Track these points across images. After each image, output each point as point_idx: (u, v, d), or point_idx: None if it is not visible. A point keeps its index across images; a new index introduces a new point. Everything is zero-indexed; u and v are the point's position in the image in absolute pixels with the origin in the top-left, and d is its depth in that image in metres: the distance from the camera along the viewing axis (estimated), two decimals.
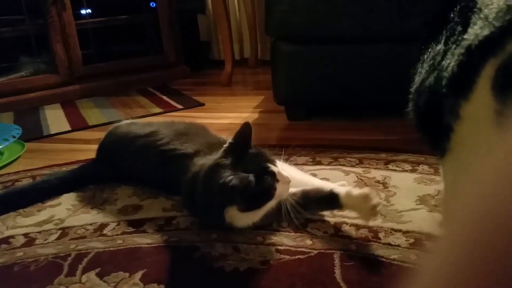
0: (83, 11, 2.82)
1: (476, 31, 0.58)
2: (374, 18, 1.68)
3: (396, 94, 1.78)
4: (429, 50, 0.69)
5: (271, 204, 1.04)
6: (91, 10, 2.86)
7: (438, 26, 0.67)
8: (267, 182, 1.00)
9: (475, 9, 0.61)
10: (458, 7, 0.65)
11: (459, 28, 0.62)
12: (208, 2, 3.32)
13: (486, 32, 0.56)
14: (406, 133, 1.65)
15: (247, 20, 3.28)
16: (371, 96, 1.83)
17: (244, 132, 1.05)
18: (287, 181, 1.03)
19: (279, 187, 1.02)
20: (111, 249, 1.06)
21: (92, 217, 1.22)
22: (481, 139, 0.55)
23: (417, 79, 0.70)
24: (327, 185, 1.19)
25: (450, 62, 0.61)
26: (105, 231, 1.14)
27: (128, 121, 1.48)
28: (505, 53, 0.52)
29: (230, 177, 0.95)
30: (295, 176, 1.20)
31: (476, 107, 0.56)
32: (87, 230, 1.15)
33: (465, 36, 0.60)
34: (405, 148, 1.48)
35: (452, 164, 0.63)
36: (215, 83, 2.87)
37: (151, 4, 3.00)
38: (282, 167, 1.17)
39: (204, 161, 1.12)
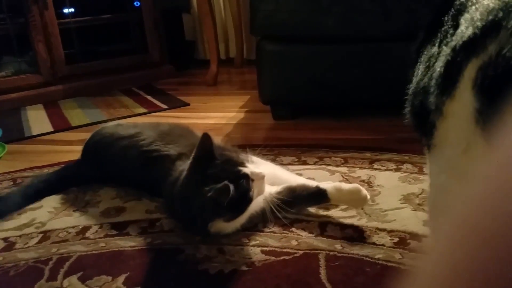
0: (65, 10, 2.78)
1: (462, 31, 0.59)
2: (358, 17, 1.68)
3: (381, 93, 1.81)
4: (425, 52, 0.69)
5: (254, 204, 1.03)
6: (74, 9, 2.82)
7: (435, 29, 0.68)
8: (244, 186, 0.98)
9: (464, 11, 0.62)
10: (452, 10, 0.66)
11: (451, 31, 0.63)
12: (193, 1, 3.30)
13: (469, 32, 0.57)
14: (390, 132, 1.66)
15: (232, 19, 3.27)
16: (356, 95, 1.84)
17: (204, 144, 1.02)
18: (261, 177, 1.03)
19: (256, 186, 1.01)
20: (93, 252, 1.04)
21: (74, 220, 1.20)
22: (461, 136, 0.56)
23: (414, 80, 0.70)
24: (310, 183, 1.20)
25: (440, 63, 0.61)
26: (87, 234, 1.12)
27: (115, 122, 1.46)
28: (486, 54, 0.53)
29: (209, 194, 0.94)
30: (281, 175, 1.20)
31: (458, 106, 0.57)
32: (69, 233, 1.13)
33: (453, 37, 0.61)
34: (390, 147, 1.49)
35: (435, 160, 0.63)
36: (201, 82, 2.85)
37: (135, 3, 2.97)
38: (259, 166, 1.17)
39: (184, 166, 1.11)
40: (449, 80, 0.58)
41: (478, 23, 0.56)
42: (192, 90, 2.73)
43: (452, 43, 0.60)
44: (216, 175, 0.98)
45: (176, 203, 1.05)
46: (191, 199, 0.99)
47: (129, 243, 1.07)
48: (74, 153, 1.60)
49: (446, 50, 0.61)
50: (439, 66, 0.61)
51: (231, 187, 0.94)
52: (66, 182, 1.39)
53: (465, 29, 0.59)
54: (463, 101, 0.55)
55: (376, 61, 1.75)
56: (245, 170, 1.00)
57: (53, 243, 1.09)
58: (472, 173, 0.23)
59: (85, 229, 1.15)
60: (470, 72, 0.54)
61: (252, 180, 1.00)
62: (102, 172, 1.36)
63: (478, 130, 0.53)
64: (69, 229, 1.15)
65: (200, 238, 1.04)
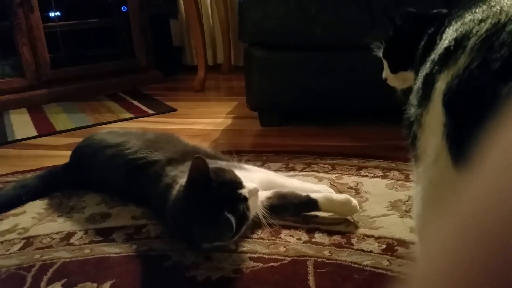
0: (52, 14, 2.75)
1: (442, 44, 0.60)
2: (346, 26, 1.70)
3: (368, 100, 1.82)
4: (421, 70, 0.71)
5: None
6: (61, 13, 2.79)
7: (431, 48, 0.69)
8: (243, 209, 0.96)
9: (449, 26, 0.63)
10: (443, 26, 0.68)
11: (436, 46, 0.65)
12: (181, 7, 3.29)
13: (446, 44, 0.58)
14: (377, 140, 1.67)
15: (220, 25, 3.27)
16: (343, 102, 1.85)
17: (199, 167, 0.96)
18: (255, 192, 1.02)
19: (251, 203, 0.99)
20: (78, 259, 1.02)
21: (58, 225, 1.17)
22: (433, 148, 0.57)
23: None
24: (304, 186, 1.21)
25: (421, 76, 0.63)
26: (72, 240, 1.10)
27: (108, 130, 1.44)
28: (456, 66, 0.54)
29: (212, 231, 0.94)
30: (275, 179, 1.21)
31: (431, 118, 0.58)
32: (53, 239, 1.11)
33: (434, 51, 0.62)
34: (377, 154, 1.50)
35: (418, 170, 0.64)
36: (188, 88, 2.84)
37: (122, 8, 2.95)
38: (253, 174, 1.16)
39: (176, 172, 1.10)
40: (425, 92, 0.60)
41: (454, 34, 0.58)
42: (179, 95, 2.72)
43: (432, 56, 0.61)
44: (215, 202, 0.95)
45: (169, 219, 1.04)
46: (188, 225, 0.97)
47: (114, 249, 1.05)
48: (58, 158, 1.58)
49: (427, 63, 0.62)
50: (420, 79, 0.63)
51: (233, 221, 0.92)
52: (50, 186, 1.36)
53: (444, 41, 0.60)
54: (435, 114, 0.57)
55: (363, 69, 1.76)
56: (243, 192, 0.98)
57: (37, 249, 1.06)
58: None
59: (70, 235, 1.12)
60: (441, 84, 0.56)
61: (247, 198, 0.99)
62: (87, 179, 1.34)
63: (443, 143, 0.54)
64: (53, 235, 1.13)
65: (187, 245, 1.03)
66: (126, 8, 2.93)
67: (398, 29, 1.01)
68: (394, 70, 1.05)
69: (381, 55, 1.09)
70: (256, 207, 1.04)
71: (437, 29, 0.68)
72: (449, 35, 0.59)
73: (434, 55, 0.60)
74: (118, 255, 1.03)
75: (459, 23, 0.60)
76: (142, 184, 1.17)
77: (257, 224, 1.08)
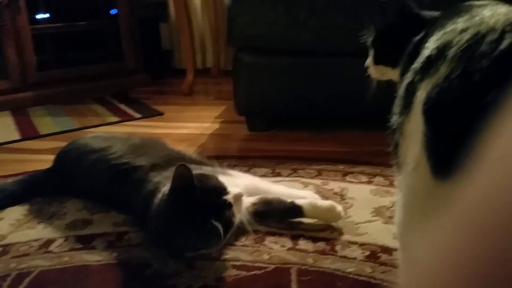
0: (39, 16, 2.72)
1: (424, 53, 0.60)
2: (334, 33, 1.70)
3: (354, 106, 1.82)
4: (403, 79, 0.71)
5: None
6: (49, 15, 2.76)
7: (415, 56, 0.69)
8: (228, 215, 0.95)
9: (432, 35, 0.63)
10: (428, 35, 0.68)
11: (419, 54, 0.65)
12: (171, 11, 3.28)
13: (427, 53, 0.58)
14: (363, 145, 1.67)
15: (210, 30, 3.26)
16: (330, 108, 1.84)
17: (183, 175, 0.93)
18: (240, 197, 1.01)
19: (236, 209, 0.98)
20: (56, 267, 1.00)
21: (37, 232, 1.15)
22: (413, 156, 0.57)
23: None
24: (289, 192, 1.20)
25: (404, 85, 0.63)
26: (51, 248, 1.07)
27: (93, 134, 1.42)
28: (437, 75, 0.54)
29: (199, 239, 0.92)
30: (260, 185, 1.20)
31: (412, 126, 0.58)
32: (31, 247, 1.08)
33: (417, 60, 0.62)
34: (362, 160, 1.49)
35: (399, 178, 0.64)
36: (176, 92, 2.82)
37: (111, 11, 2.93)
38: (238, 179, 1.15)
39: (159, 178, 1.08)
40: (407, 101, 0.60)
41: (436, 43, 0.58)
42: (167, 99, 2.70)
43: (414, 65, 0.61)
44: (200, 209, 0.93)
45: (152, 227, 1.02)
46: (172, 234, 0.95)
47: (95, 257, 1.03)
48: (42, 162, 1.55)
49: (410, 72, 0.62)
50: (402, 87, 0.63)
51: (221, 228, 0.90)
52: (31, 192, 1.34)
53: (426, 50, 0.60)
54: (416, 122, 0.57)
55: (350, 76, 1.75)
56: (228, 198, 0.97)
57: (13, 258, 1.03)
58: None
59: (49, 242, 1.10)
60: (421, 93, 0.56)
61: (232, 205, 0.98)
62: (70, 184, 1.31)
63: (423, 152, 0.54)
64: (31, 242, 1.10)
65: (168, 253, 1.01)
66: (115, 11, 2.91)
67: (390, 25, 1.00)
68: (376, 61, 1.04)
69: (370, 42, 1.08)
70: (241, 212, 1.03)
71: (422, 38, 0.68)
72: (431, 44, 0.59)
73: (417, 64, 0.60)
74: (98, 263, 1.00)
75: (441, 32, 0.59)
76: (125, 190, 1.15)
77: (241, 231, 1.06)
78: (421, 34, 0.73)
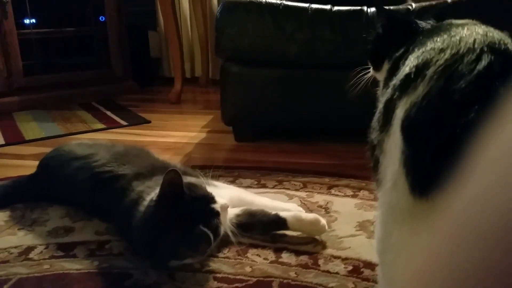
0: (27, 21, 2.70)
1: (403, 70, 0.61)
2: (320, 46, 1.72)
3: (340, 119, 1.83)
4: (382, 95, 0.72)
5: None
6: (37, 20, 2.74)
7: (394, 72, 0.70)
8: (215, 224, 0.96)
9: (411, 54, 0.64)
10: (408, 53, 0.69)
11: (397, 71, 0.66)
12: (160, 19, 3.28)
13: (407, 71, 0.59)
14: (348, 158, 1.68)
15: (199, 39, 3.27)
16: (317, 120, 1.86)
17: (172, 181, 0.94)
18: (226, 208, 1.01)
19: (222, 218, 0.99)
20: (36, 275, 0.98)
21: (18, 239, 1.13)
22: (392, 173, 0.57)
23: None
24: (273, 204, 1.20)
25: (383, 101, 0.63)
26: (31, 255, 1.06)
27: (78, 141, 1.40)
28: (415, 94, 0.55)
29: (189, 244, 0.92)
30: (245, 197, 1.20)
31: (392, 143, 0.58)
32: (11, 253, 1.06)
33: (396, 76, 0.63)
34: (348, 173, 1.50)
35: (379, 194, 0.65)
36: (164, 100, 2.82)
37: (100, 18, 2.92)
38: (222, 190, 1.15)
39: (142, 188, 1.08)
40: (386, 117, 0.60)
41: (415, 62, 0.59)
42: (155, 107, 2.69)
43: (393, 81, 0.62)
44: (189, 216, 0.93)
45: (136, 235, 1.01)
46: (159, 241, 0.94)
47: (75, 265, 1.01)
48: (25, 168, 1.53)
49: (389, 88, 0.63)
50: (381, 103, 0.63)
51: (210, 234, 0.91)
52: (13, 197, 1.32)
53: (405, 67, 0.61)
54: (395, 140, 0.57)
55: (336, 88, 1.77)
56: (216, 207, 0.97)
57: None
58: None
59: (29, 249, 1.08)
60: (400, 111, 0.56)
61: (220, 214, 0.98)
62: (53, 191, 1.30)
63: (401, 170, 0.55)
64: (11, 249, 1.08)
65: (150, 263, 1.00)
66: (104, 18, 2.91)
67: (379, 35, 1.00)
68: (375, 68, 1.03)
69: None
70: (227, 222, 1.03)
71: (402, 54, 0.69)
72: (411, 61, 0.60)
73: (396, 81, 0.61)
74: (79, 271, 0.99)
75: (421, 50, 0.60)
76: (108, 199, 1.14)
77: (224, 243, 1.06)
78: (401, 50, 0.74)
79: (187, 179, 1.13)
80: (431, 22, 0.82)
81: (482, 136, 0.22)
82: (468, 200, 0.21)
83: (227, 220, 1.06)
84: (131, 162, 1.20)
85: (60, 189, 1.28)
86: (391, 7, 1.65)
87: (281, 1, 1.76)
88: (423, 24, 0.83)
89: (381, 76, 0.99)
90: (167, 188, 0.94)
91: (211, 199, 0.98)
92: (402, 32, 0.80)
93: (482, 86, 0.51)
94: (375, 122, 0.64)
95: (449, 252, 0.21)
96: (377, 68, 0.99)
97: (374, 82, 0.94)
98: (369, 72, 1.02)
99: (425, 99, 0.53)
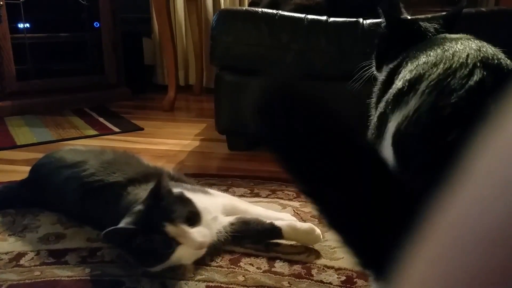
0: (21, 25, 2.69)
1: (396, 84, 0.61)
2: (315, 56, 1.73)
3: None
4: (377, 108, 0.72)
5: (169, 264, 0.95)
6: (31, 25, 2.73)
7: (389, 85, 0.70)
8: (156, 242, 0.91)
9: (405, 68, 0.65)
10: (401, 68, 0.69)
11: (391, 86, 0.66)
12: (155, 27, 3.29)
13: (399, 85, 0.59)
14: None
15: (193, 47, 3.28)
16: None
17: (157, 183, 0.97)
18: (196, 246, 0.94)
19: (181, 251, 0.93)
20: (26, 281, 0.97)
21: (9, 245, 1.12)
22: None
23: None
24: (267, 213, 1.20)
25: (375, 116, 0.64)
26: (22, 262, 1.05)
27: (69, 148, 1.38)
28: (407, 108, 0.55)
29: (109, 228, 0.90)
30: (238, 205, 1.19)
31: (385, 156, 0.58)
32: (1, 260, 1.05)
33: (389, 91, 0.63)
34: None
35: None
36: (157, 107, 2.81)
37: (95, 24, 2.92)
38: (216, 198, 1.15)
39: (137, 191, 1.07)
40: (379, 130, 0.61)
41: (408, 76, 0.59)
42: (148, 114, 2.68)
43: (387, 96, 0.62)
44: (146, 216, 0.93)
45: None
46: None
47: (66, 272, 1.00)
48: (17, 173, 1.52)
49: (382, 102, 0.63)
50: (375, 116, 0.64)
51: (122, 231, 0.91)
52: (4, 203, 1.31)
53: (398, 81, 0.61)
54: (387, 153, 0.57)
55: (331, 99, 1.78)
56: (170, 229, 0.91)
57: None
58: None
59: (20, 255, 1.07)
60: (392, 124, 0.57)
61: (179, 244, 0.93)
62: (43, 198, 1.29)
63: None
64: (1, 255, 1.07)
65: (142, 271, 0.99)
66: (98, 24, 2.91)
67: (383, 34, 1.00)
68: (376, 67, 1.03)
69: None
70: (185, 261, 0.99)
71: (396, 67, 0.70)
72: (404, 75, 0.61)
73: (389, 95, 0.62)
74: (70, 278, 0.98)
75: (414, 64, 0.61)
76: (98, 207, 1.13)
77: (216, 251, 1.06)
78: (395, 62, 0.75)
79: (182, 186, 1.13)
80: (436, 25, 0.83)
81: (477, 143, 0.23)
82: (465, 208, 0.22)
83: (221, 228, 1.06)
84: (121, 169, 1.18)
85: (50, 197, 1.27)
86: None
87: (277, 11, 1.78)
88: (427, 26, 0.83)
89: (380, 77, 1.00)
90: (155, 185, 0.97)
91: (171, 219, 0.92)
92: (404, 35, 0.80)
93: (473, 101, 0.51)
94: (370, 133, 0.65)
95: (448, 259, 0.21)
96: (378, 69, 1.00)
97: (376, 79, 0.94)
98: (372, 67, 1.02)
99: (415, 113, 0.53)
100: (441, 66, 0.56)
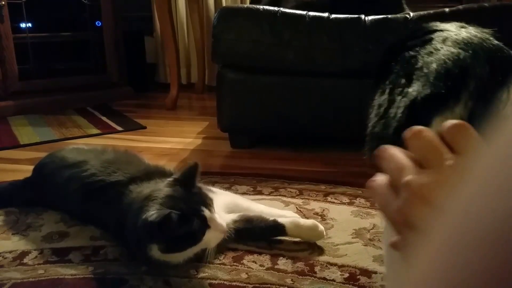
0: (23, 25, 2.70)
1: (419, 87, 0.61)
2: (318, 53, 1.73)
3: (337, 126, 1.84)
4: (376, 98, 0.72)
5: (196, 249, 0.98)
6: (33, 25, 2.74)
7: (384, 74, 0.70)
8: (194, 225, 0.94)
9: (417, 66, 0.64)
10: (400, 58, 0.69)
11: (403, 81, 0.65)
12: (156, 25, 3.29)
13: (427, 90, 0.59)
14: (345, 166, 1.68)
15: (195, 45, 3.28)
16: (313, 127, 1.86)
17: (190, 171, 1.02)
18: (221, 230, 0.99)
19: (209, 234, 0.97)
20: (30, 280, 0.97)
21: (12, 244, 1.12)
22: None
23: (369, 124, 0.72)
24: (270, 211, 1.20)
25: (397, 112, 0.63)
26: (25, 260, 1.05)
27: (72, 147, 1.38)
28: (454, 115, 0.55)
29: (151, 212, 0.90)
30: (241, 203, 1.20)
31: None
32: (5, 258, 1.06)
33: (409, 90, 0.63)
34: (344, 180, 1.51)
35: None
36: (160, 106, 2.82)
37: (96, 23, 2.92)
38: (219, 196, 1.15)
39: (141, 189, 1.07)
40: (385, 112, 0.60)
41: (437, 83, 0.59)
42: (150, 113, 2.68)
43: (410, 97, 0.62)
44: (177, 202, 0.95)
45: (128, 217, 1.00)
46: (140, 213, 0.93)
47: (70, 271, 1.01)
48: (20, 172, 1.52)
49: (403, 101, 0.63)
50: (397, 115, 0.63)
51: (175, 218, 0.89)
52: (7, 201, 1.31)
53: (423, 86, 0.61)
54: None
55: (334, 96, 1.79)
56: (205, 212, 0.96)
57: None
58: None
59: (24, 254, 1.07)
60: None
61: (209, 227, 0.97)
62: (45, 198, 1.29)
63: None
64: (5, 254, 1.07)
65: (146, 269, 0.99)
66: (100, 23, 2.91)
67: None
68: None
69: None
70: (211, 244, 1.00)
71: (391, 56, 0.70)
72: (426, 75, 0.61)
73: (414, 96, 0.62)
74: (73, 277, 0.99)
75: (432, 70, 0.62)
76: (101, 207, 1.13)
77: (220, 249, 1.06)
78: (399, 61, 0.75)
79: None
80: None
81: (482, 140, 0.22)
82: (466, 207, 0.21)
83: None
84: (122, 168, 1.18)
85: (52, 197, 1.27)
86: (389, 16, 1.66)
87: (278, 8, 1.77)
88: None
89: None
90: (183, 175, 1.02)
91: (207, 204, 0.99)
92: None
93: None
94: (393, 134, 0.64)
95: (448, 259, 0.21)
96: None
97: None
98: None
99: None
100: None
